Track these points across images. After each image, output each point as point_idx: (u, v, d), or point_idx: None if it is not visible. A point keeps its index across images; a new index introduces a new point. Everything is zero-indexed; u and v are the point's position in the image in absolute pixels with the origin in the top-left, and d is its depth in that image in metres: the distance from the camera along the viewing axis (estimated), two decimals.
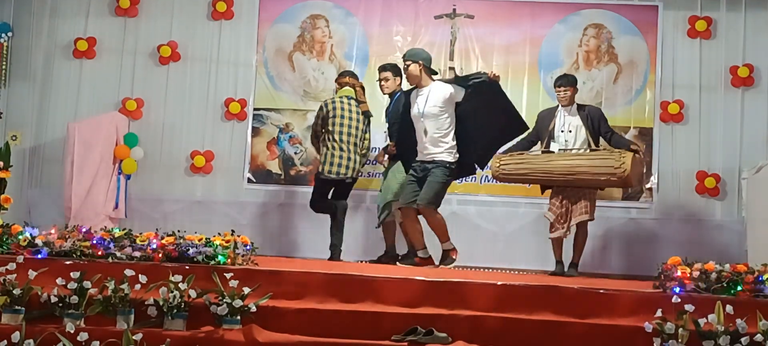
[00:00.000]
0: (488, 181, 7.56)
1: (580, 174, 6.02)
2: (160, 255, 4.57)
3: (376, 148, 7.18)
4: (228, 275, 4.27)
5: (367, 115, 6.57)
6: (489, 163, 6.35)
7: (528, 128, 6.30)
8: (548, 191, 6.38)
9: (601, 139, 6.39)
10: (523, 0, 7.80)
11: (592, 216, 6.22)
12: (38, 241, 4.63)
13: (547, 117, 6.43)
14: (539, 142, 6.42)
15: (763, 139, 7.46)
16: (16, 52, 7.88)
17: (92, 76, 7.90)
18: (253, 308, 4.14)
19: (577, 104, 6.43)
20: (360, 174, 6.70)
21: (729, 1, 7.62)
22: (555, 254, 6.29)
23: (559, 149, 6.26)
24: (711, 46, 7.63)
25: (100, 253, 4.59)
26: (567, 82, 6.39)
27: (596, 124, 6.29)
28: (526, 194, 7.48)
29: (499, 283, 4.50)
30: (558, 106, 6.44)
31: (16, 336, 3.72)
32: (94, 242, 4.64)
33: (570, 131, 6.26)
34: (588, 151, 6.19)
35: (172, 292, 4.12)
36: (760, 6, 7.61)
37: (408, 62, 6.06)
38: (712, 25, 7.63)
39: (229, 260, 4.60)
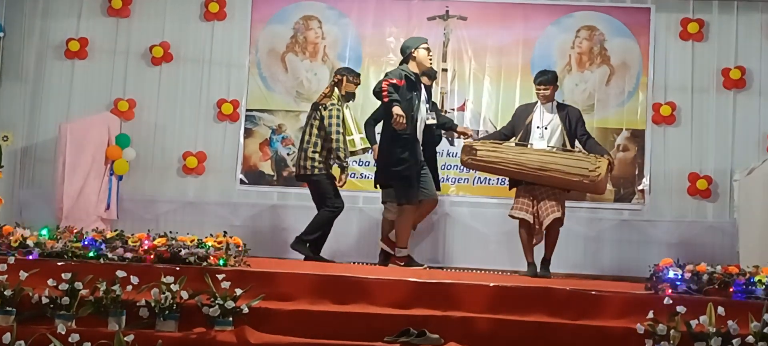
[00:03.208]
0: (481, 182, 7.57)
1: (552, 171, 5.91)
2: (152, 256, 4.56)
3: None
4: (220, 277, 4.26)
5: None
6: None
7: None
8: (513, 190, 6.24)
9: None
10: (516, 2, 7.81)
11: (563, 216, 6.06)
12: (30, 242, 4.61)
13: (524, 111, 6.29)
14: (514, 136, 6.30)
15: (754, 141, 7.50)
16: (7, 53, 7.84)
17: (84, 77, 7.87)
18: (246, 310, 4.13)
19: (558, 103, 6.29)
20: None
21: (721, 4, 7.66)
22: (527, 257, 6.11)
23: (529, 144, 6.10)
24: (703, 49, 7.66)
25: (91, 254, 4.57)
26: (548, 80, 6.21)
27: (573, 126, 6.17)
28: None
29: (491, 284, 4.50)
30: (537, 101, 6.28)
31: (7, 337, 3.71)
32: (86, 242, 4.62)
33: (546, 129, 6.13)
34: (562, 150, 6.09)
35: (164, 293, 4.11)
36: (751, 8, 7.65)
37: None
38: (704, 27, 7.66)
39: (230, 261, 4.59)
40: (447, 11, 7.80)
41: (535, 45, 7.75)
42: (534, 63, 7.71)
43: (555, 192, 6.03)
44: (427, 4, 7.82)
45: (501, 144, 6.21)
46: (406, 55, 6.17)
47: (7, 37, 7.84)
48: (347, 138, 6.39)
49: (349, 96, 6.54)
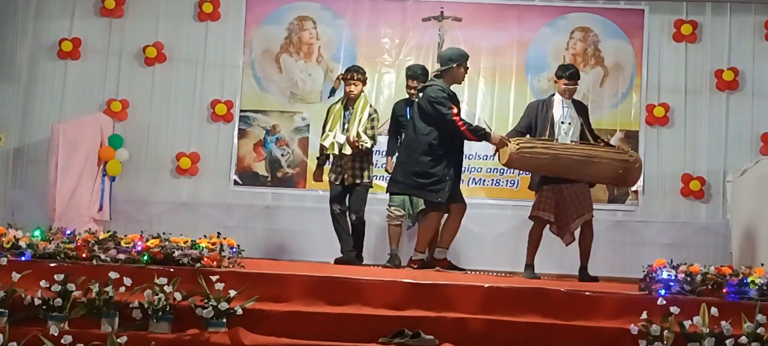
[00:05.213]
0: (475, 183, 7.58)
1: (598, 165, 5.81)
2: (145, 257, 4.54)
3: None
4: (214, 278, 4.24)
5: None
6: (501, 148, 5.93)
7: None
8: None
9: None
10: (511, 3, 7.82)
11: (593, 212, 5.97)
12: (22, 243, 4.59)
13: (543, 107, 6.08)
14: (530, 132, 6.04)
15: (747, 143, 7.53)
16: (0, 53, 7.81)
17: (77, 77, 7.85)
18: (239, 311, 4.11)
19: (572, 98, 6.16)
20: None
21: (714, 5, 7.69)
22: (529, 258, 5.96)
23: (557, 140, 5.90)
24: (696, 50, 7.69)
25: (84, 255, 4.55)
26: (575, 75, 6.07)
27: (587, 119, 6.11)
28: (513, 197, 7.51)
29: (485, 285, 4.50)
30: (553, 95, 6.11)
31: None
32: (78, 244, 4.60)
33: (570, 123, 5.99)
34: (598, 143, 6.00)
35: (157, 295, 4.10)
36: (744, 10, 7.68)
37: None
38: (697, 28, 7.69)
39: (215, 263, 4.57)
40: (442, 12, 7.81)
41: (530, 46, 7.76)
42: (528, 64, 7.74)
43: (581, 192, 5.91)
44: (421, 5, 7.83)
45: (544, 139, 5.92)
46: (447, 67, 5.98)
47: (0, 37, 7.81)
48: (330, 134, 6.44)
49: (335, 91, 6.56)
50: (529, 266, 5.99)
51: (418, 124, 5.94)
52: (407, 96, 6.67)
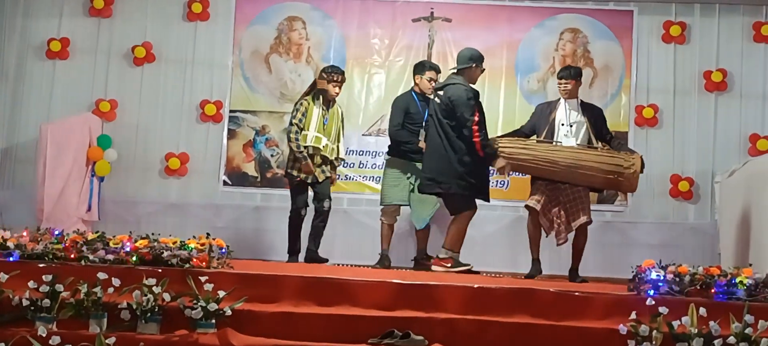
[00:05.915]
0: None
1: (585, 168, 5.77)
2: (134, 258, 4.52)
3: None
4: (203, 279, 4.23)
5: None
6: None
7: None
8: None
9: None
10: (501, 4, 7.84)
11: (591, 218, 6.00)
12: (10, 243, 4.56)
13: (546, 109, 6.12)
14: (534, 134, 6.11)
15: (735, 143, 7.57)
16: None
17: (65, 77, 7.81)
18: (228, 312, 4.11)
19: (582, 101, 6.16)
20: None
21: (703, 7, 7.73)
22: (532, 252, 6.02)
23: (556, 142, 5.94)
24: (685, 51, 7.73)
25: (72, 256, 4.52)
26: (569, 74, 6.06)
27: (599, 124, 6.08)
28: (504, 197, 7.51)
29: (475, 286, 4.50)
30: (559, 99, 6.12)
31: None
32: (67, 244, 4.57)
33: (572, 126, 5.97)
34: (591, 147, 5.97)
35: (145, 295, 4.08)
36: (733, 11, 7.72)
37: None
38: (686, 30, 7.72)
39: (204, 264, 4.56)
40: (432, 13, 7.81)
41: (519, 47, 7.78)
42: (518, 65, 7.75)
43: (579, 195, 5.90)
44: (411, 6, 7.83)
45: (527, 140, 6.01)
46: (467, 66, 5.97)
47: None
48: (303, 132, 6.38)
49: (320, 92, 6.49)
50: (535, 260, 6.01)
51: (445, 124, 5.86)
52: (418, 92, 6.52)
